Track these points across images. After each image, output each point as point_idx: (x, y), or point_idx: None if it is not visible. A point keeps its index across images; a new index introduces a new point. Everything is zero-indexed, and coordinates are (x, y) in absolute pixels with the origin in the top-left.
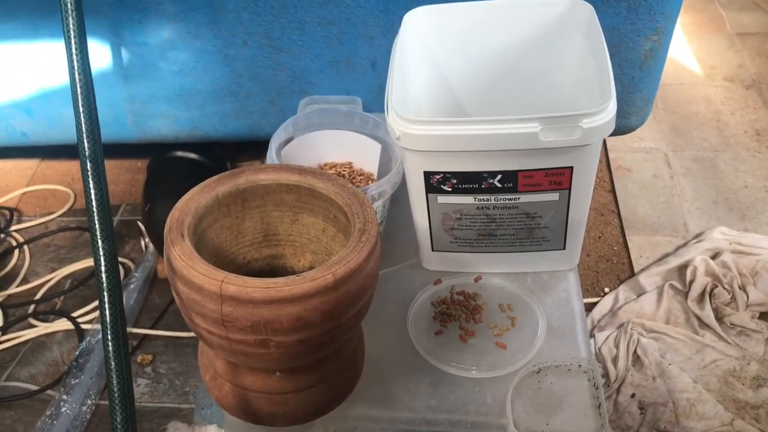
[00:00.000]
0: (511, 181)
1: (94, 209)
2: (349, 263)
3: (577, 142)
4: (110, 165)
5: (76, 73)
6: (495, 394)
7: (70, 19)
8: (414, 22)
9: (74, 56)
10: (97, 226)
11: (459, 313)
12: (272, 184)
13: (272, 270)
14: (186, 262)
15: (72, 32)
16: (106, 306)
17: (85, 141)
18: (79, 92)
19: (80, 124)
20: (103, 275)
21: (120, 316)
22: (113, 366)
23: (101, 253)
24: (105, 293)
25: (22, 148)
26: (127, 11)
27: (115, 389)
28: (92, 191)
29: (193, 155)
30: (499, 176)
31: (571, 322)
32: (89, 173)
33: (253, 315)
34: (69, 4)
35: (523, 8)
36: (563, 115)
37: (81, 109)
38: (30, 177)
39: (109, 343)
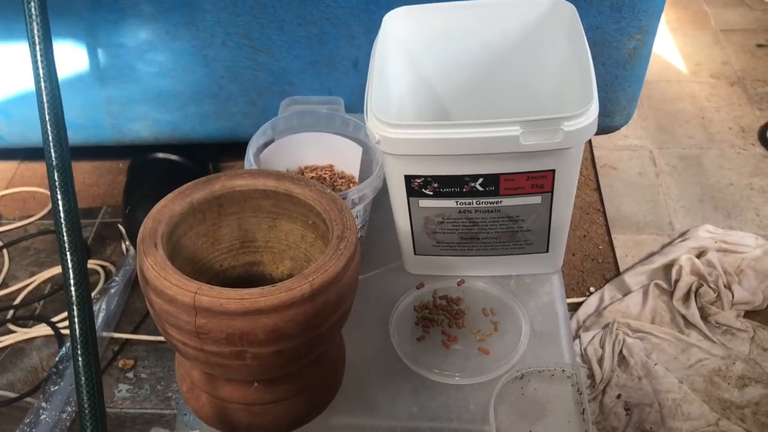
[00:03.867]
0: (492, 184)
1: (62, 220)
2: (327, 272)
3: (559, 145)
4: (91, 166)
5: (42, 80)
6: (478, 401)
7: (35, 24)
8: (394, 22)
9: (39, 63)
10: (65, 237)
11: (441, 317)
12: (249, 189)
13: (250, 277)
14: (159, 273)
15: (36, 38)
16: (76, 321)
17: (52, 150)
18: (45, 100)
19: (47, 133)
20: (72, 288)
21: (90, 331)
22: (83, 381)
23: (69, 265)
24: (74, 307)
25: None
26: (102, 12)
27: (86, 406)
28: (60, 202)
29: (173, 157)
30: (480, 180)
31: (555, 326)
32: (57, 183)
33: (228, 327)
34: (33, 9)
35: (505, 8)
36: (544, 118)
37: (47, 118)
38: (9, 179)
39: (79, 359)
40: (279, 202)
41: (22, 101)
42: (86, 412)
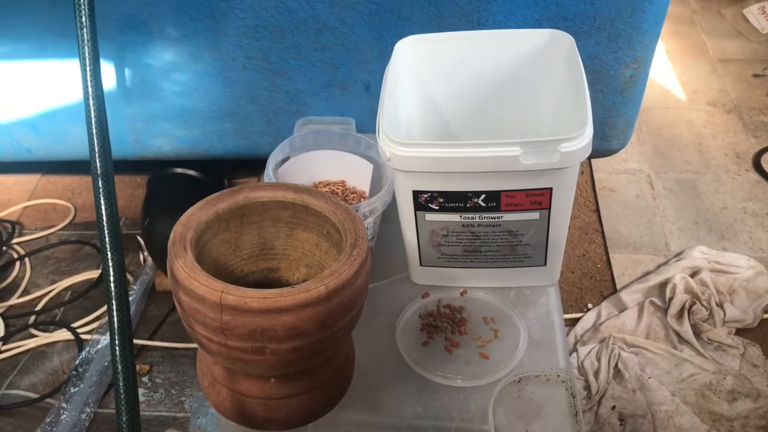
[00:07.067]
0: (494, 200)
1: (105, 223)
2: (341, 276)
3: (556, 165)
4: None
5: (90, 98)
6: (478, 402)
7: (86, 48)
8: (405, 49)
9: (89, 82)
10: (107, 239)
11: (445, 325)
12: (269, 201)
13: (268, 282)
14: (188, 274)
15: (87, 60)
16: (114, 313)
17: (97, 160)
18: (92, 116)
19: (93, 145)
20: (112, 285)
21: (127, 322)
22: (120, 369)
23: (110, 264)
24: (114, 301)
25: (25, 163)
26: (132, 35)
27: (122, 391)
28: (103, 207)
29: (191, 172)
30: (483, 196)
31: (551, 335)
32: (101, 190)
33: (251, 323)
34: (85, 34)
35: (509, 38)
36: (542, 139)
37: (94, 131)
38: (31, 191)
39: (117, 348)
40: (296, 213)
41: (51, 116)
42: (122, 397)
